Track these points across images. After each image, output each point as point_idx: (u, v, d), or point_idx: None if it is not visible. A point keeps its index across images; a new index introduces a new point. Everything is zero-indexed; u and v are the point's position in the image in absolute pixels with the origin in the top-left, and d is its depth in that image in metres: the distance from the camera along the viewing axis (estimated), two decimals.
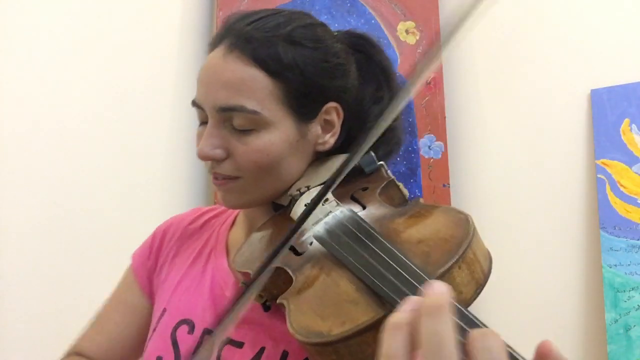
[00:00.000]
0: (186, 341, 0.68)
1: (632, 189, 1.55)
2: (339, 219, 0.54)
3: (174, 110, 1.64)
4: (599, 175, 1.58)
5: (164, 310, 0.73)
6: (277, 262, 0.46)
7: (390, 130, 0.71)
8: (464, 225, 0.45)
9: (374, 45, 0.73)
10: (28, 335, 1.51)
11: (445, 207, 0.52)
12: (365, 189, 0.61)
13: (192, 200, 1.64)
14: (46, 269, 1.55)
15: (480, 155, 1.71)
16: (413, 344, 0.31)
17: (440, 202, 1.61)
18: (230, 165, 0.64)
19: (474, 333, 0.31)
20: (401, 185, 0.62)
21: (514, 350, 0.32)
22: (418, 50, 1.69)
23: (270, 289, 0.55)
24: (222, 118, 0.64)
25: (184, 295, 0.73)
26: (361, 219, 0.53)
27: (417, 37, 1.69)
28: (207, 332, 0.68)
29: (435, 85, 1.67)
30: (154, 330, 0.73)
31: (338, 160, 0.68)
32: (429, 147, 1.65)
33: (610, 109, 1.59)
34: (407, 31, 1.68)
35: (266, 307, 0.58)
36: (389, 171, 0.65)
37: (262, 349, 0.62)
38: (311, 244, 0.54)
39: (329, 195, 0.58)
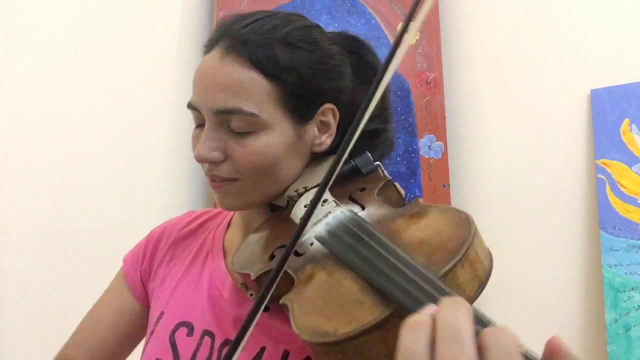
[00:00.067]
0: (185, 343, 0.68)
1: (632, 189, 1.55)
2: (339, 220, 0.54)
3: (174, 111, 1.64)
4: (599, 175, 1.58)
5: (162, 313, 0.73)
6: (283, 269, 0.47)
7: (383, 132, 0.71)
8: (466, 225, 0.46)
9: (366, 47, 0.74)
10: (28, 335, 1.51)
11: (445, 206, 0.52)
12: (363, 190, 0.61)
13: (191, 200, 1.64)
14: (46, 269, 1.55)
15: (480, 155, 1.71)
16: (432, 344, 0.32)
17: (440, 202, 1.61)
18: (228, 168, 0.64)
19: (488, 330, 0.32)
20: (398, 185, 0.63)
21: (525, 347, 0.32)
22: (418, 50, 1.69)
23: (271, 291, 0.55)
24: (219, 120, 0.64)
25: (182, 298, 0.73)
26: (362, 219, 0.53)
27: (417, 37, 1.69)
28: (207, 333, 0.68)
29: (435, 85, 1.67)
30: (152, 333, 0.72)
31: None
32: (429, 147, 1.65)
33: (610, 109, 1.59)
34: (407, 31, 1.68)
35: (265, 308, 0.59)
36: (385, 171, 0.66)
37: (263, 349, 0.62)
38: (311, 244, 0.54)
39: (328, 196, 0.58)
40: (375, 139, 0.70)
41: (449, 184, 1.63)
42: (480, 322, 0.34)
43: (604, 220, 1.55)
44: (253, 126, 0.63)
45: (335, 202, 0.58)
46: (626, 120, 1.58)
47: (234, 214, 0.80)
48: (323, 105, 0.67)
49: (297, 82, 0.64)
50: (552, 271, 1.62)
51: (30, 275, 1.54)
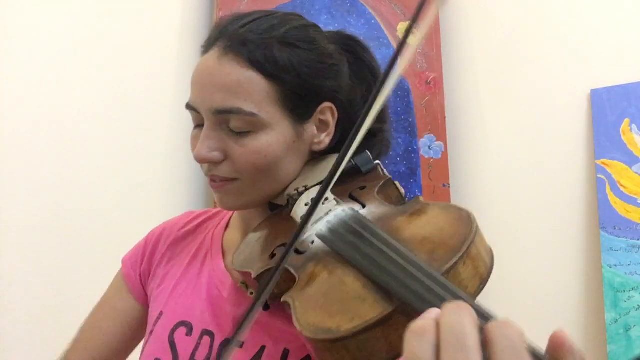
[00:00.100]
0: (184, 343, 0.68)
1: (632, 189, 1.55)
2: (341, 218, 0.54)
3: (174, 111, 1.64)
4: (599, 175, 1.58)
5: (161, 313, 0.73)
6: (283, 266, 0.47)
7: (380, 131, 0.72)
8: (467, 222, 0.46)
9: (363, 46, 0.74)
10: (28, 335, 1.51)
11: (446, 204, 0.52)
12: (363, 188, 0.61)
13: (191, 200, 1.64)
14: (46, 268, 1.55)
15: (480, 155, 1.71)
16: (437, 350, 0.32)
17: (440, 201, 1.61)
18: (228, 168, 0.65)
19: (493, 323, 0.31)
20: (398, 184, 0.63)
21: (530, 341, 0.32)
22: (418, 50, 1.69)
23: (272, 288, 0.55)
24: (218, 120, 0.64)
25: (181, 298, 0.73)
26: (364, 217, 0.53)
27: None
28: (206, 333, 0.67)
29: (435, 85, 1.67)
30: (151, 333, 0.72)
31: (333, 159, 0.68)
32: (429, 147, 1.65)
33: (610, 109, 1.59)
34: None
35: (265, 307, 0.59)
36: (385, 170, 0.66)
37: (263, 348, 0.62)
38: (312, 242, 0.54)
39: (328, 194, 0.59)
40: (373, 138, 0.70)
41: (449, 184, 1.63)
42: (483, 316, 0.34)
43: (604, 220, 1.55)
44: (252, 126, 0.63)
45: (336, 200, 0.59)
46: (626, 120, 1.58)
47: (232, 214, 0.80)
48: (322, 104, 0.67)
49: (296, 81, 0.64)
50: (552, 271, 1.62)
51: (30, 275, 1.54)
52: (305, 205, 0.61)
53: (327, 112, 0.68)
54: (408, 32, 0.46)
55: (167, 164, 1.64)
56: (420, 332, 0.32)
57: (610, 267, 1.53)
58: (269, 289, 0.46)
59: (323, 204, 0.57)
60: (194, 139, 0.67)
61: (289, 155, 0.65)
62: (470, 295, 0.42)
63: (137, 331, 0.80)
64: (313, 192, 0.62)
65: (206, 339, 0.67)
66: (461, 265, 0.42)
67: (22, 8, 1.61)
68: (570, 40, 1.67)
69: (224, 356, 0.44)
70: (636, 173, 1.55)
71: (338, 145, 0.70)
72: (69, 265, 1.55)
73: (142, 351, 0.72)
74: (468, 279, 0.42)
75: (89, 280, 1.53)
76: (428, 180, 1.64)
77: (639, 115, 1.57)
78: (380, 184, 0.61)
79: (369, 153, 0.67)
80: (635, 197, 1.55)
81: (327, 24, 1.66)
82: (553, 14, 1.70)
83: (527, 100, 1.70)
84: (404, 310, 0.39)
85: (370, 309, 0.41)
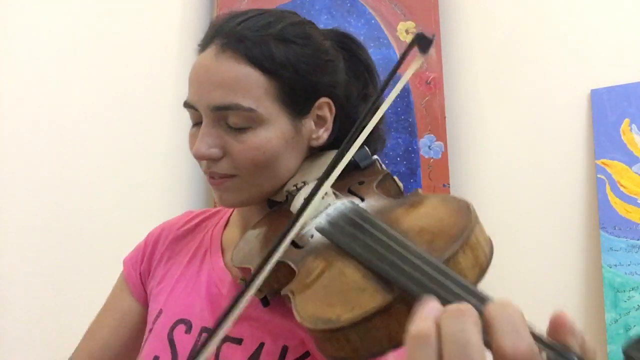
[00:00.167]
0: (183, 341, 0.68)
1: (632, 189, 1.55)
2: (340, 210, 0.54)
3: (174, 110, 1.64)
4: (599, 175, 1.58)
5: (160, 311, 0.73)
6: (278, 256, 0.47)
7: (376, 128, 0.72)
8: (466, 212, 0.46)
9: (358, 43, 0.75)
10: (28, 335, 1.51)
11: (445, 195, 0.53)
12: (361, 183, 0.62)
13: (191, 200, 1.64)
14: (46, 268, 1.55)
15: (480, 155, 1.71)
16: (439, 355, 0.31)
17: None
18: (227, 164, 0.65)
19: (493, 305, 0.31)
20: (396, 178, 0.63)
21: (529, 322, 0.32)
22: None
23: (271, 283, 0.55)
24: (217, 117, 0.64)
25: (180, 296, 0.73)
26: (363, 209, 0.53)
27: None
28: (205, 330, 0.68)
29: (435, 85, 1.67)
30: (150, 331, 0.73)
31: (332, 155, 0.68)
32: (429, 147, 1.65)
33: (610, 109, 1.59)
34: (407, 31, 1.68)
35: (265, 303, 0.59)
36: (383, 165, 0.66)
37: (262, 345, 0.62)
38: (312, 236, 0.54)
39: (328, 189, 0.59)
40: (370, 135, 0.71)
41: (449, 184, 1.63)
42: (484, 302, 0.35)
43: (604, 220, 1.55)
44: (251, 121, 0.63)
45: (335, 195, 0.59)
46: (626, 120, 1.58)
47: (232, 213, 0.80)
48: (319, 99, 0.67)
49: (293, 76, 0.64)
50: (552, 271, 1.62)
51: (30, 275, 1.54)
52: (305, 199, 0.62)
53: (325, 108, 0.68)
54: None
55: (167, 164, 1.64)
56: (421, 338, 0.31)
57: (610, 267, 1.53)
58: (263, 275, 0.46)
59: (322, 198, 0.58)
60: (192, 137, 0.67)
61: (288, 150, 0.66)
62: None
63: (139, 331, 0.80)
64: (312, 187, 0.63)
65: (205, 336, 0.67)
66: (461, 254, 0.42)
67: (22, 8, 1.61)
68: (570, 40, 1.67)
69: (208, 344, 0.43)
70: (636, 173, 1.55)
71: (336, 141, 0.70)
72: (69, 265, 1.55)
73: (142, 349, 0.73)
74: (468, 268, 0.42)
75: (89, 280, 1.53)
76: (428, 180, 1.64)
77: (639, 115, 1.57)
78: (379, 178, 0.61)
79: (367, 149, 0.67)
80: (635, 197, 1.55)
81: (327, 24, 1.66)
82: (553, 14, 1.70)
83: (527, 100, 1.70)
84: (404, 299, 0.39)
85: (370, 298, 0.41)
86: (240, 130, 0.63)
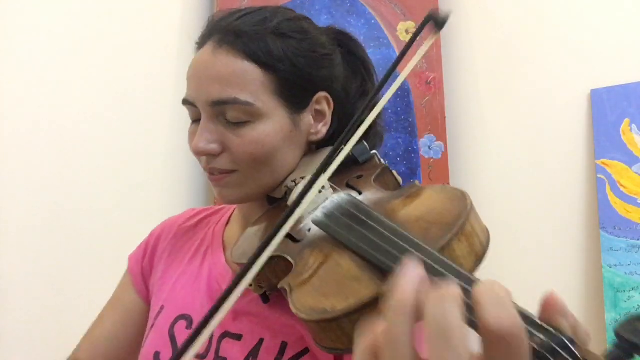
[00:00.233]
0: (184, 336, 0.68)
1: (632, 189, 1.55)
2: (336, 202, 0.54)
3: (174, 110, 1.64)
4: (599, 175, 1.58)
5: (162, 307, 0.74)
6: (275, 251, 0.47)
7: (374, 123, 0.72)
8: (461, 200, 0.46)
9: (354, 41, 0.75)
10: (28, 335, 1.51)
11: (442, 186, 0.52)
12: (360, 177, 0.62)
13: (192, 200, 1.64)
14: (46, 269, 1.55)
15: (480, 155, 1.71)
16: (418, 318, 0.31)
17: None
18: (226, 159, 0.65)
19: (481, 284, 0.31)
20: (395, 172, 0.63)
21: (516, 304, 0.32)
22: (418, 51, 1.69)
23: (270, 278, 0.55)
24: (215, 112, 0.64)
25: (182, 292, 0.73)
26: (359, 201, 0.53)
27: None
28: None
29: (435, 85, 1.67)
30: (152, 326, 0.73)
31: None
32: (429, 147, 1.65)
33: (610, 109, 1.59)
34: (407, 31, 1.68)
35: (265, 299, 0.59)
36: (382, 159, 0.66)
37: (261, 340, 0.63)
38: (309, 230, 0.54)
39: (325, 183, 0.59)
40: (369, 129, 0.71)
41: (449, 184, 1.63)
42: (468, 282, 0.35)
43: (604, 220, 1.55)
44: (249, 116, 0.63)
45: (333, 189, 0.59)
46: (626, 120, 1.58)
47: (234, 210, 0.80)
48: (317, 93, 0.68)
49: (291, 70, 0.65)
50: (552, 271, 1.62)
51: (30, 275, 1.54)
52: None
53: (323, 102, 0.68)
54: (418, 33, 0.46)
55: (167, 164, 1.64)
56: (397, 310, 0.31)
57: (610, 267, 1.53)
58: (257, 266, 0.46)
59: (320, 192, 0.58)
60: (192, 134, 0.67)
61: (287, 145, 0.66)
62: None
63: (142, 326, 0.80)
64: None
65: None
66: (456, 241, 0.42)
67: (22, 8, 1.61)
68: (570, 40, 1.67)
69: (201, 333, 0.43)
70: (636, 173, 1.55)
71: (335, 136, 0.70)
72: (69, 265, 1.55)
73: (143, 344, 0.73)
74: (463, 256, 0.42)
75: (89, 280, 1.53)
76: (428, 180, 1.64)
77: (639, 115, 1.57)
78: (377, 172, 0.62)
79: (365, 143, 0.67)
80: (635, 197, 1.55)
81: (327, 24, 1.66)
82: (553, 14, 1.70)
83: (527, 100, 1.70)
84: None
85: (365, 288, 0.41)
86: (238, 124, 0.64)
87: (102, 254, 1.54)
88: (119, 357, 0.81)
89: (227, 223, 0.80)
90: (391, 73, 0.53)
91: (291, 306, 0.45)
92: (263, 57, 0.63)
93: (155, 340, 0.71)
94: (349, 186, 0.61)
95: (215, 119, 0.65)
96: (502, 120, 1.71)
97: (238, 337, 0.64)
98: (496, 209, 1.64)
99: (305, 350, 0.60)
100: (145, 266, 0.82)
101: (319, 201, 0.56)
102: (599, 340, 1.52)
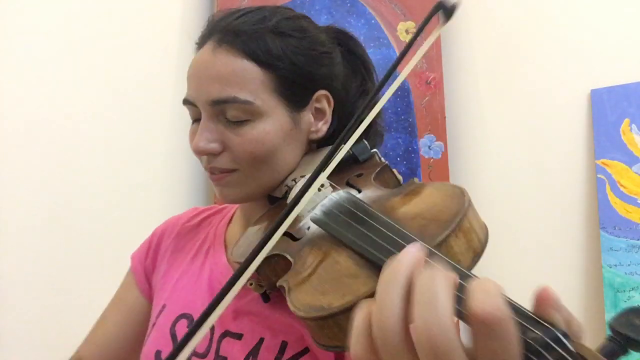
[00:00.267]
0: None
1: (632, 189, 1.55)
2: (335, 200, 0.55)
3: (174, 110, 1.64)
4: (599, 175, 1.58)
5: (164, 306, 0.74)
6: (275, 249, 0.47)
7: (374, 122, 0.72)
8: (459, 197, 0.46)
9: (354, 39, 0.76)
10: (28, 335, 1.51)
11: (441, 183, 0.53)
12: (360, 175, 0.62)
13: (192, 200, 1.64)
14: (46, 269, 1.55)
15: (480, 155, 1.71)
16: (407, 297, 0.32)
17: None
18: (227, 158, 0.65)
19: (473, 282, 0.31)
20: (395, 171, 0.63)
21: (510, 299, 0.32)
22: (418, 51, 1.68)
23: (270, 277, 0.55)
24: (215, 111, 0.64)
25: (183, 291, 0.74)
26: (358, 198, 0.53)
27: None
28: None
29: (435, 85, 1.67)
30: (153, 325, 0.73)
31: None
32: (429, 147, 1.65)
33: (610, 109, 1.59)
34: (407, 31, 1.68)
35: (266, 298, 0.59)
36: (382, 158, 0.66)
37: (261, 340, 0.63)
38: (308, 228, 0.54)
39: (325, 182, 0.59)
40: (369, 128, 0.71)
41: None
42: (466, 277, 0.35)
43: (604, 220, 1.55)
44: (249, 114, 0.63)
45: (333, 187, 0.59)
46: (626, 120, 1.58)
47: (235, 210, 0.81)
48: (317, 91, 0.68)
49: (290, 68, 0.65)
50: (552, 271, 1.62)
51: (30, 275, 1.54)
52: None
53: (323, 100, 0.69)
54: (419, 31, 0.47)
55: (167, 164, 1.64)
56: (389, 281, 0.32)
57: (610, 267, 1.53)
58: (256, 262, 0.46)
59: (319, 190, 0.58)
60: (193, 134, 0.67)
61: (287, 143, 0.66)
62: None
63: (145, 325, 0.80)
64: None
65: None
66: (453, 238, 0.42)
67: (22, 8, 1.61)
68: (570, 40, 1.67)
69: (198, 329, 0.43)
70: (636, 173, 1.55)
71: (335, 134, 0.70)
72: (69, 265, 1.55)
73: (145, 343, 0.73)
74: (461, 252, 0.42)
75: (89, 280, 1.53)
76: (428, 180, 1.64)
77: (639, 115, 1.57)
78: (377, 170, 0.62)
79: (366, 142, 0.67)
80: (635, 197, 1.55)
81: (327, 24, 1.66)
82: (553, 14, 1.70)
83: (527, 100, 1.70)
84: None
85: (362, 285, 0.41)
86: (239, 123, 0.64)
87: (102, 254, 1.54)
88: (121, 357, 0.82)
89: (229, 222, 0.80)
90: (397, 65, 0.53)
91: (289, 304, 0.45)
92: (262, 55, 0.63)
93: (157, 339, 0.71)
94: (349, 184, 0.61)
95: (216, 118, 0.65)
96: (502, 120, 1.71)
97: (238, 337, 0.64)
98: (496, 208, 1.64)
99: (305, 350, 0.60)
100: (148, 264, 0.82)
101: (318, 199, 0.56)
102: (599, 340, 1.51)
